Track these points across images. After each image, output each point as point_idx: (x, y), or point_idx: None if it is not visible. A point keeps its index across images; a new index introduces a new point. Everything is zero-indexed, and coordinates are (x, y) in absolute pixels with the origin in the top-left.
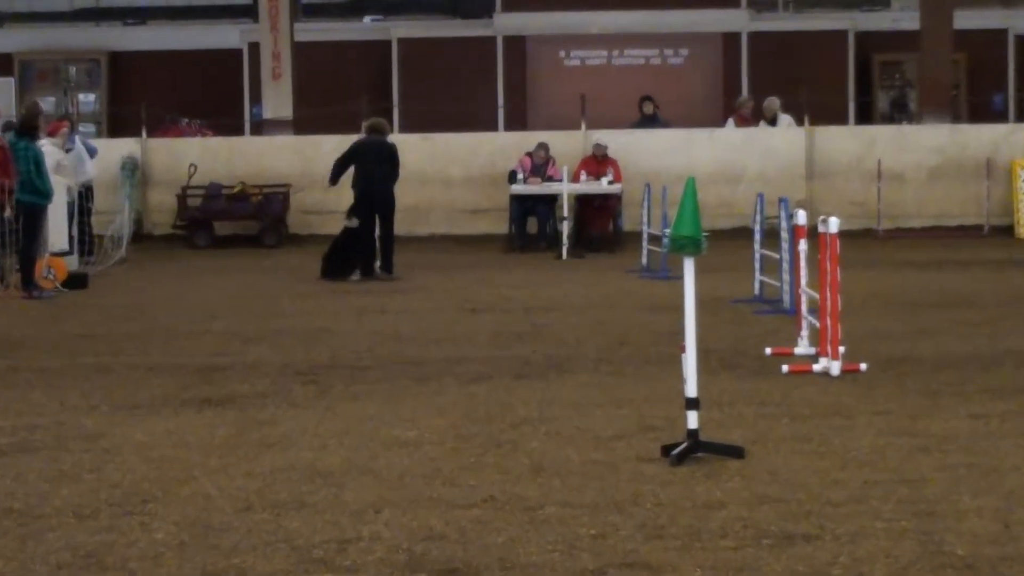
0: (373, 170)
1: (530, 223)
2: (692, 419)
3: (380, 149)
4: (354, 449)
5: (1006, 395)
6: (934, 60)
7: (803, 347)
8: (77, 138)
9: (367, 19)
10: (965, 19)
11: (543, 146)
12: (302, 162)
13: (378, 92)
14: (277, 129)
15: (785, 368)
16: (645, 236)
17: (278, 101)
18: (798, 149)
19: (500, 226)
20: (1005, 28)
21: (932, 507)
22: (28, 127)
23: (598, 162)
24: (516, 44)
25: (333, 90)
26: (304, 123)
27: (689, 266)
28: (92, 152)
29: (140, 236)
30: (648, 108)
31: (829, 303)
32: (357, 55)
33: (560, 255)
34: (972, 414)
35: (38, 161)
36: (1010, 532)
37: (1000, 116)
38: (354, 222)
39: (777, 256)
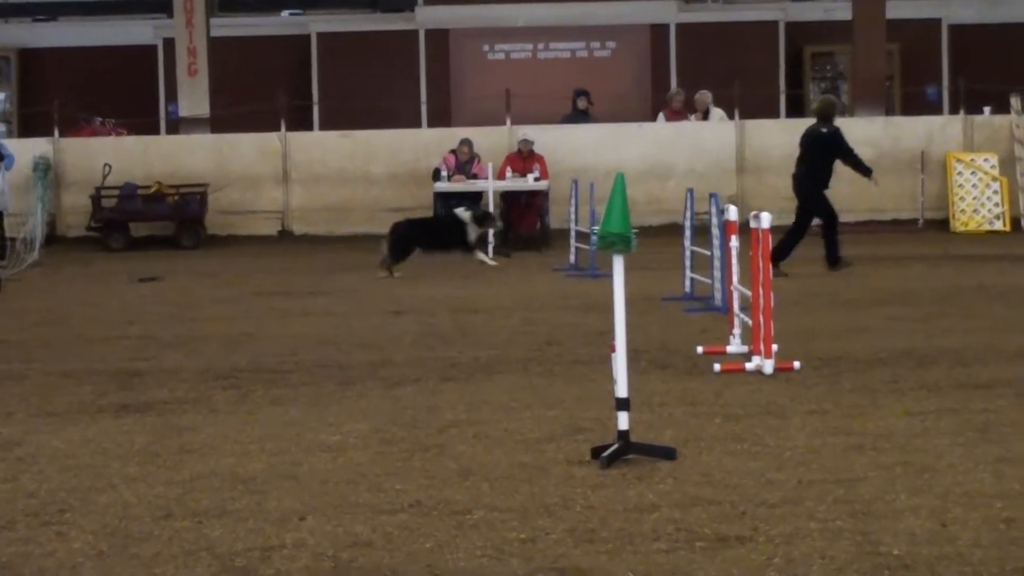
0: (799, 164)
1: None
2: (623, 420)
3: (809, 140)
4: (277, 455)
5: (942, 392)
6: (867, 51)
7: (735, 346)
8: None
9: (285, 13)
10: (898, 9)
11: (466, 142)
12: (219, 161)
13: (297, 88)
14: (193, 127)
15: (717, 367)
16: (573, 234)
17: (194, 98)
18: (728, 143)
19: None
20: (939, 18)
21: (868, 507)
22: None
23: (524, 158)
24: (438, 38)
25: (251, 87)
26: (221, 121)
27: (618, 264)
28: (9, 164)
29: (53, 238)
30: (582, 103)
31: (761, 300)
32: (275, 50)
33: (486, 254)
34: (907, 412)
35: None
36: (947, 531)
37: (934, 108)
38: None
39: (708, 253)
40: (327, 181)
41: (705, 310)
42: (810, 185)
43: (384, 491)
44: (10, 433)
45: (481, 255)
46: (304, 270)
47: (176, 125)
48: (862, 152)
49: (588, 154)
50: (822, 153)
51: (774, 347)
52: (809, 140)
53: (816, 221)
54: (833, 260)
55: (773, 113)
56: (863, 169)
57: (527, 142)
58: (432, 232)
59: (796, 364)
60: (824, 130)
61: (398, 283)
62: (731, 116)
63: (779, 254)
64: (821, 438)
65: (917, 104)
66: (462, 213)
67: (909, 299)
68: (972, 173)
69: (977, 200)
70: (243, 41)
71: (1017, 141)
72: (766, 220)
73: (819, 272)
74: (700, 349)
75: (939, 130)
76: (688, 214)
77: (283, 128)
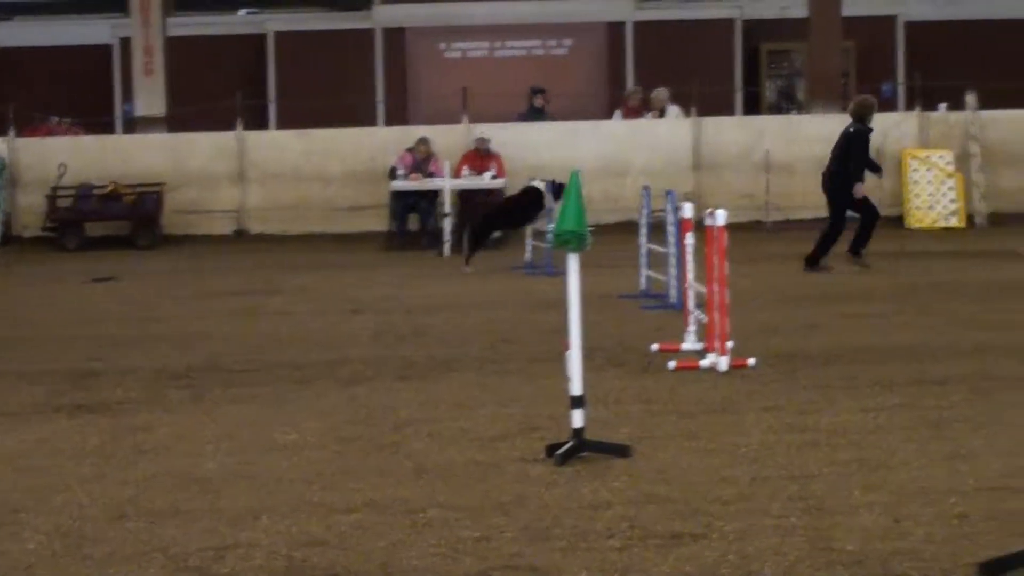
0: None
1: (412, 220)
2: (577, 418)
3: (839, 137)
4: (231, 454)
5: (896, 389)
6: (822, 48)
7: (690, 343)
8: None
9: (242, 12)
10: (854, 6)
11: (424, 141)
12: (176, 161)
13: (255, 87)
14: (150, 127)
15: (672, 364)
16: (530, 232)
17: (151, 98)
18: (685, 141)
19: (381, 224)
20: (894, 15)
21: (821, 503)
22: None
23: (481, 157)
24: (395, 36)
25: (208, 86)
26: (178, 120)
27: (573, 262)
28: None
29: (9, 238)
30: (539, 101)
31: (717, 297)
32: (232, 49)
33: (442, 252)
34: (862, 408)
35: None
36: (900, 527)
37: (889, 105)
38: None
39: (664, 250)
40: (284, 180)
41: (661, 307)
42: (838, 182)
43: (339, 490)
44: None
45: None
46: (260, 269)
47: (132, 124)
48: (816, 150)
49: (544, 152)
50: (844, 151)
51: (729, 344)
52: (839, 138)
53: (851, 214)
54: (856, 249)
55: (730, 110)
56: (855, 176)
57: (484, 140)
58: (511, 212)
59: (751, 361)
60: (851, 129)
61: (354, 282)
62: (688, 113)
63: (858, 244)
64: (775, 435)
65: None
66: (542, 185)
67: (865, 296)
68: (927, 170)
69: (932, 197)
70: (200, 40)
71: (972, 138)
72: (721, 217)
73: (775, 269)
74: (655, 346)
75: (894, 127)
76: (644, 212)
77: (240, 127)
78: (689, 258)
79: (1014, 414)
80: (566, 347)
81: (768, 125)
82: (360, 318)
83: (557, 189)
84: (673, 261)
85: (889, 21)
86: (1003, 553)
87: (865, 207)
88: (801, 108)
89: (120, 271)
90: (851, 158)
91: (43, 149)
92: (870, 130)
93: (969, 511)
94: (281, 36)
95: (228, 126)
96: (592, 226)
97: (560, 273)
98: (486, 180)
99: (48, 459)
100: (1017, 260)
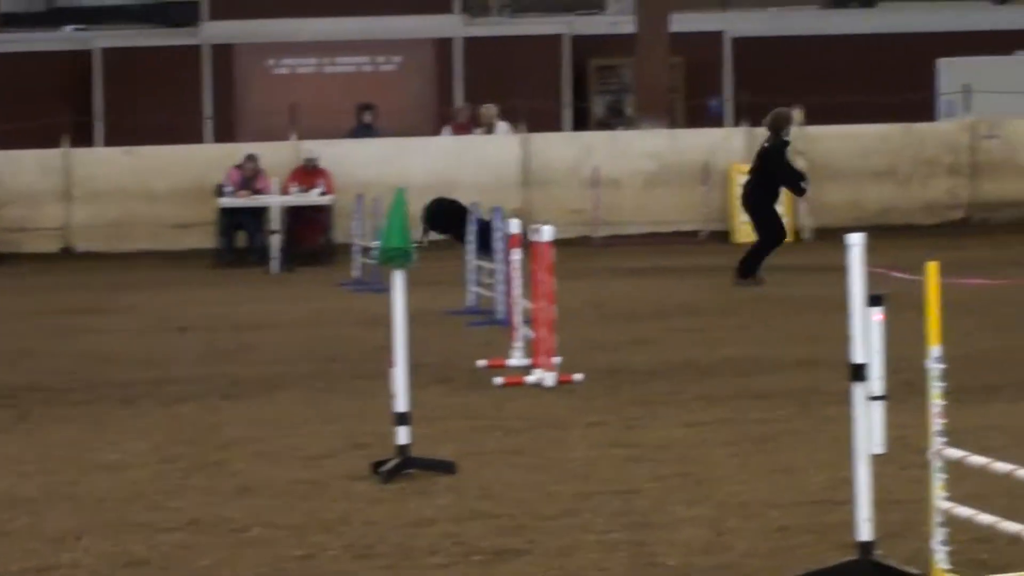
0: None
1: (239, 237)
2: (402, 435)
3: (757, 153)
4: (54, 474)
5: (720, 403)
6: (650, 64)
7: (517, 359)
8: None
9: (68, 29)
10: (682, 22)
11: (252, 158)
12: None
13: (81, 104)
14: None
15: (498, 380)
16: (357, 248)
17: None
18: (513, 157)
19: (208, 241)
20: (721, 31)
21: (645, 518)
22: None
23: (309, 173)
24: (223, 53)
25: (33, 103)
26: (2, 137)
27: (398, 278)
28: None
29: None
30: (367, 118)
31: (543, 313)
32: (58, 66)
33: (270, 270)
34: (686, 423)
35: None
36: (723, 541)
37: (717, 120)
38: None
39: (492, 266)
40: (110, 198)
41: (488, 323)
42: (754, 198)
43: (162, 509)
44: None
45: None
46: (86, 287)
47: None
48: (644, 165)
49: (373, 169)
50: (762, 166)
51: (556, 360)
52: (757, 153)
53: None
54: (746, 271)
55: (558, 126)
56: (793, 188)
57: (311, 158)
58: (452, 217)
59: (577, 377)
60: (766, 144)
61: (180, 300)
62: (516, 129)
63: (748, 265)
64: (600, 450)
65: (700, 117)
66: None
67: (690, 310)
68: None
69: None
70: (25, 57)
71: (799, 153)
72: (548, 233)
73: (604, 284)
74: (482, 363)
75: (721, 142)
76: (472, 227)
77: (65, 145)
78: (516, 274)
79: (837, 428)
80: (391, 364)
81: (596, 141)
82: (186, 337)
83: (483, 228)
84: (500, 277)
85: (716, 37)
86: (823, 565)
87: (768, 228)
88: (629, 124)
89: None
90: (774, 175)
91: None
92: (787, 143)
93: (790, 524)
94: (107, 53)
95: (53, 143)
96: (419, 242)
97: (387, 290)
98: (314, 197)
99: None
100: (840, 274)
